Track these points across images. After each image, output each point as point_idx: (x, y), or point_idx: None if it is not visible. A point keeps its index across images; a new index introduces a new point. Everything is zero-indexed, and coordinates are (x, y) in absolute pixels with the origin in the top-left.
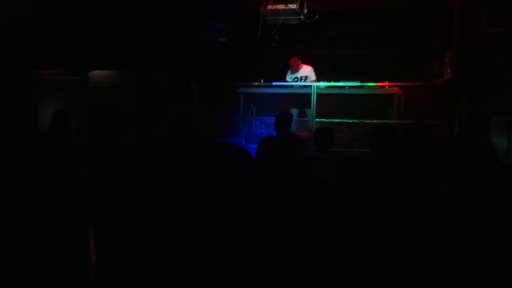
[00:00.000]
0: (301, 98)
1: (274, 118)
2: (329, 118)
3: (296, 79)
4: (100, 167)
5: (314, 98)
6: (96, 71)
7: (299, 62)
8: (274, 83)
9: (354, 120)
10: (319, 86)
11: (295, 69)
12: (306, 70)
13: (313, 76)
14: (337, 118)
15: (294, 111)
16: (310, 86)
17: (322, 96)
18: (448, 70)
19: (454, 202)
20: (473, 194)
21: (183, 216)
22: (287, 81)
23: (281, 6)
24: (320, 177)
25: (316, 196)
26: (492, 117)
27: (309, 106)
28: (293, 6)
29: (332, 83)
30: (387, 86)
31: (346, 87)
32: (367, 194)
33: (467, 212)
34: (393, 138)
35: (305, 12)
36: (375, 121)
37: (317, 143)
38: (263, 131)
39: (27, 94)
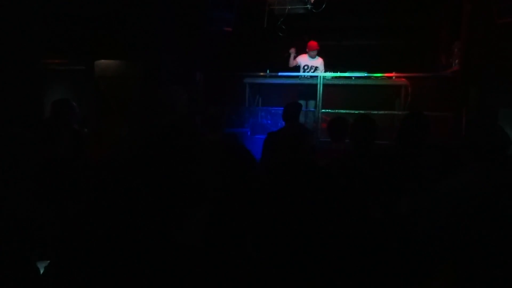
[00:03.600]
0: (307, 89)
1: (280, 108)
2: (335, 109)
3: (306, 67)
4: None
5: (320, 89)
6: (102, 61)
7: (318, 49)
8: (280, 74)
9: (361, 111)
10: (325, 76)
11: (313, 55)
12: (318, 61)
13: (322, 69)
14: (343, 109)
15: (301, 103)
16: (316, 76)
17: (328, 86)
18: (456, 61)
19: (467, 194)
20: (486, 184)
21: (182, 206)
22: (295, 63)
23: None
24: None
25: (323, 187)
26: (500, 110)
27: (315, 98)
28: None
29: (339, 74)
30: (394, 77)
31: (353, 78)
32: (363, 194)
33: (480, 203)
34: (373, 129)
35: (312, 1)
36: (382, 112)
37: (331, 133)
38: (269, 121)
39: (34, 84)
